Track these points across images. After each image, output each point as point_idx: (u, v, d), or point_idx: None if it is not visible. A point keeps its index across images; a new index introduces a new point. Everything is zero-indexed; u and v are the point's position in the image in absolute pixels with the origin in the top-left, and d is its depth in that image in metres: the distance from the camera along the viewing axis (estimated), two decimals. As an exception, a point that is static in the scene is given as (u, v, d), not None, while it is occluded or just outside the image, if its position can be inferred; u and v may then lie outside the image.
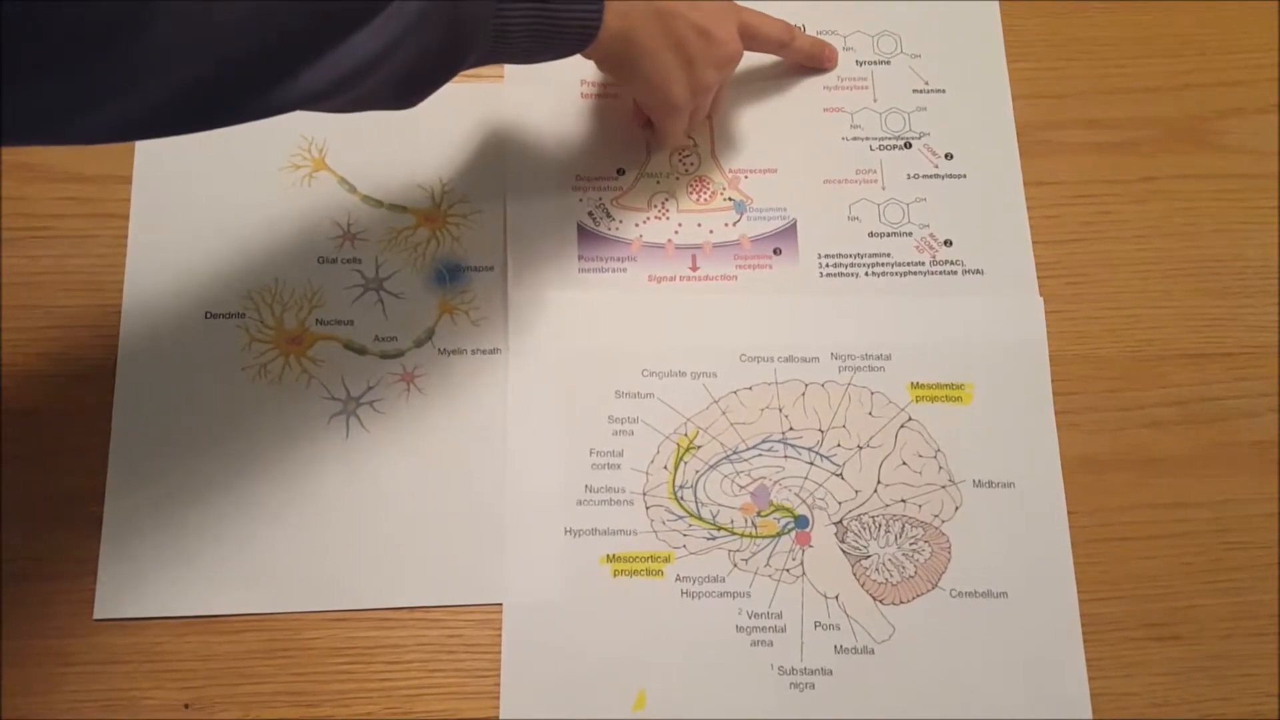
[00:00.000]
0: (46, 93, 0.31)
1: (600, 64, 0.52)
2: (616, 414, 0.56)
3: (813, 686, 0.52)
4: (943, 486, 0.55)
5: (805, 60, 0.62)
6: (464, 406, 0.56)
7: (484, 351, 0.57)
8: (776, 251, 0.59)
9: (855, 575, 0.54)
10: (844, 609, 0.53)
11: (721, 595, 0.53)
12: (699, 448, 0.56)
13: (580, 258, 0.59)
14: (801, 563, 0.54)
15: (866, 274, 0.59)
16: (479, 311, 0.57)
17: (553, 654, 0.52)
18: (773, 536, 0.54)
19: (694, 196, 0.60)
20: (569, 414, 0.56)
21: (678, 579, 0.54)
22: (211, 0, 0.32)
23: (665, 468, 0.55)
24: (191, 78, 0.34)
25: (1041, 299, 0.59)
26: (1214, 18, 0.64)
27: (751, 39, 0.57)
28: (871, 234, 0.60)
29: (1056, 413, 0.57)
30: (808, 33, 0.63)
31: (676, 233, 0.60)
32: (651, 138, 0.60)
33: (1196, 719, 0.53)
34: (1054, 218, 0.60)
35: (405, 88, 0.42)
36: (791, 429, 0.56)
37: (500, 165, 0.60)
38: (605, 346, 0.57)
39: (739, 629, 0.53)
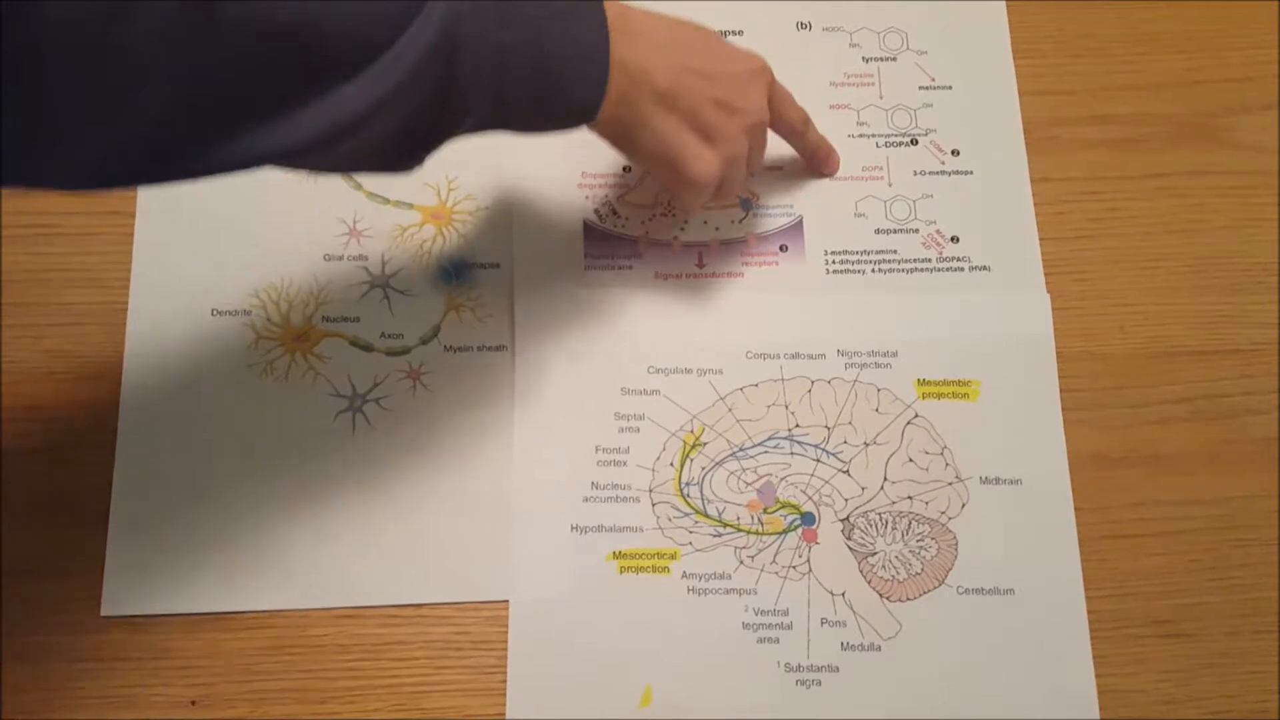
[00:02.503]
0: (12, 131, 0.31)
1: (607, 141, 0.49)
2: (623, 411, 0.56)
3: (819, 683, 0.52)
4: (949, 483, 0.55)
5: (809, 155, 0.59)
6: (470, 403, 0.56)
7: (490, 348, 0.57)
8: (783, 248, 0.59)
9: (862, 572, 0.54)
10: (850, 606, 0.53)
11: (728, 592, 0.53)
12: (705, 444, 0.56)
13: (586, 255, 0.59)
14: (808, 560, 0.54)
15: (873, 271, 0.59)
16: (485, 309, 0.57)
17: (559, 651, 0.52)
18: (779, 533, 0.54)
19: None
20: (575, 411, 0.56)
21: (684, 576, 0.54)
22: (175, 37, 0.31)
23: (671, 464, 0.55)
24: (145, 123, 0.33)
25: (1048, 295, 0.58)
26: (1222, 14, 0.64)
27: (772, 113, 0.54)
28: (878, 231, 0.60)
29: (1063, 409, 0.56)
30: (817, 27, 0.63)
31: (683, 230, 0.59)
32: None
33: (1203, 716, 0.53)
34: (1061, 214, 0.60)
35: (395, 150, 0.41)
36: (798, 426, 0.56)
37: (506, 162, 0.60)
38: (611, 343, 0.57)
39: (745, 626, 0.53)
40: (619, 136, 0.48)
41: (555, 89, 0.43)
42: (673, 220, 0.60)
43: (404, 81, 0.36)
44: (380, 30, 0.36)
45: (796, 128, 0.57)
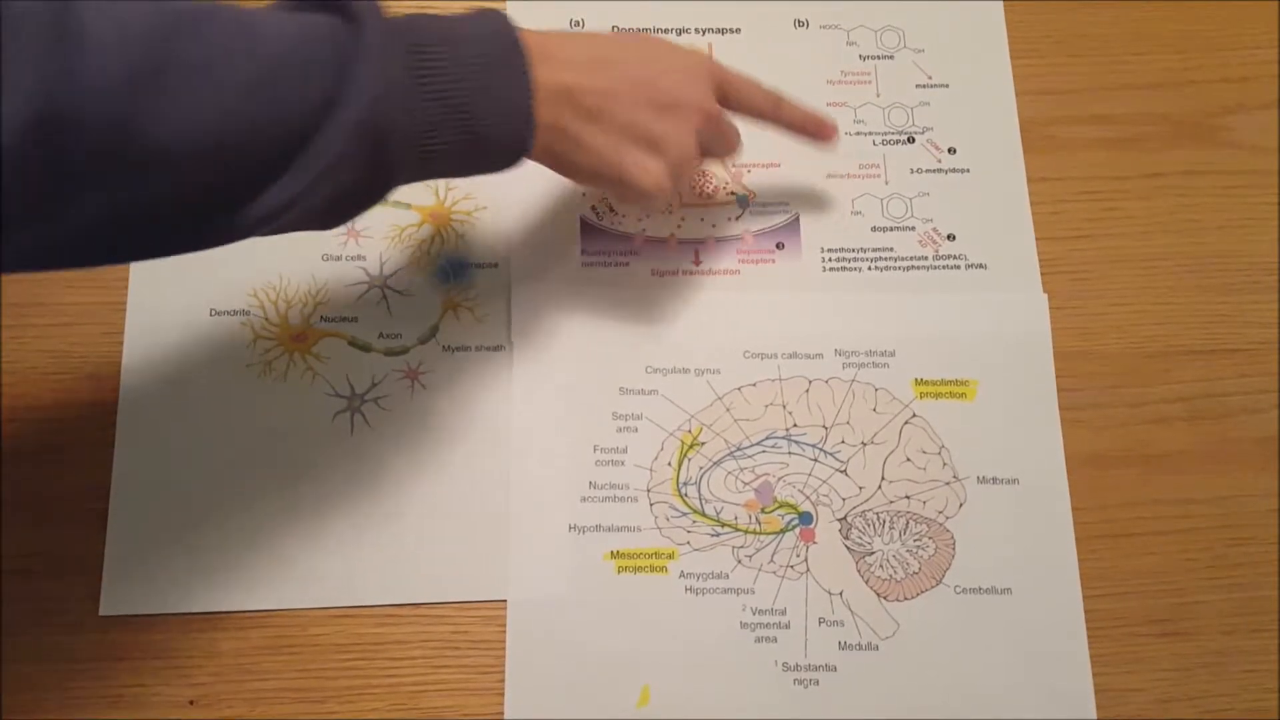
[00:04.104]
0: None
1: (550, 169, 0.48)
2: (620, 410, 0.56)
3: (817, 683, 0.52)
4: (947, 483, 0.55)
5: (797, 131, 0.56)
6: (468, 403, 0.56)
7: (488, 348, 0.57)
8: (779, 246, 0.59)
9: (859, 571, 0.54)
10: (848, 605, 0.53)
11: (725, 592, 0.53)
12: (703, 444, 0.56)
13: (583, 252, 0.59)
14: (805, 559, 0.54)
15: (869, 268, 0.59)
16: (483, 308, 0.57)
17: (557, 650, 0.52)
18: (777, 533, 0.54)
19: (697, 191, 0.60)
20: (573, 410, 0.56)
21: (681, 575, 0.54)
22: (106, 153, 0.33)
23: (669, 464, 0.55)
24: (81, 224, 0.35)
25: (1045, 295, 0.58)
26: (1218, 13, 0.64)
27: (730, 101, 0.52)
28: (874, 228, 0.60)
29: (1060, 409, 0.57)
30: (814, 25, 0.63)
31: (679, 227, 0.60)
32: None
33: (1200, 715, 0.53)
34: (1058, 214, 0.60)
35: (326, 218, 0.42)
36: (795, 425, 0.56)
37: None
38: (609, 342, 0.57)
39: (743, 625, 0.53)
40: (557, 163, 0.47)
41: (483, 143, 0.43)
42: (669, 218, 0.60)
43: (331, 164, 0.38)
44: (295, 131, 0.37)
45: (765, 111, 0.54)
